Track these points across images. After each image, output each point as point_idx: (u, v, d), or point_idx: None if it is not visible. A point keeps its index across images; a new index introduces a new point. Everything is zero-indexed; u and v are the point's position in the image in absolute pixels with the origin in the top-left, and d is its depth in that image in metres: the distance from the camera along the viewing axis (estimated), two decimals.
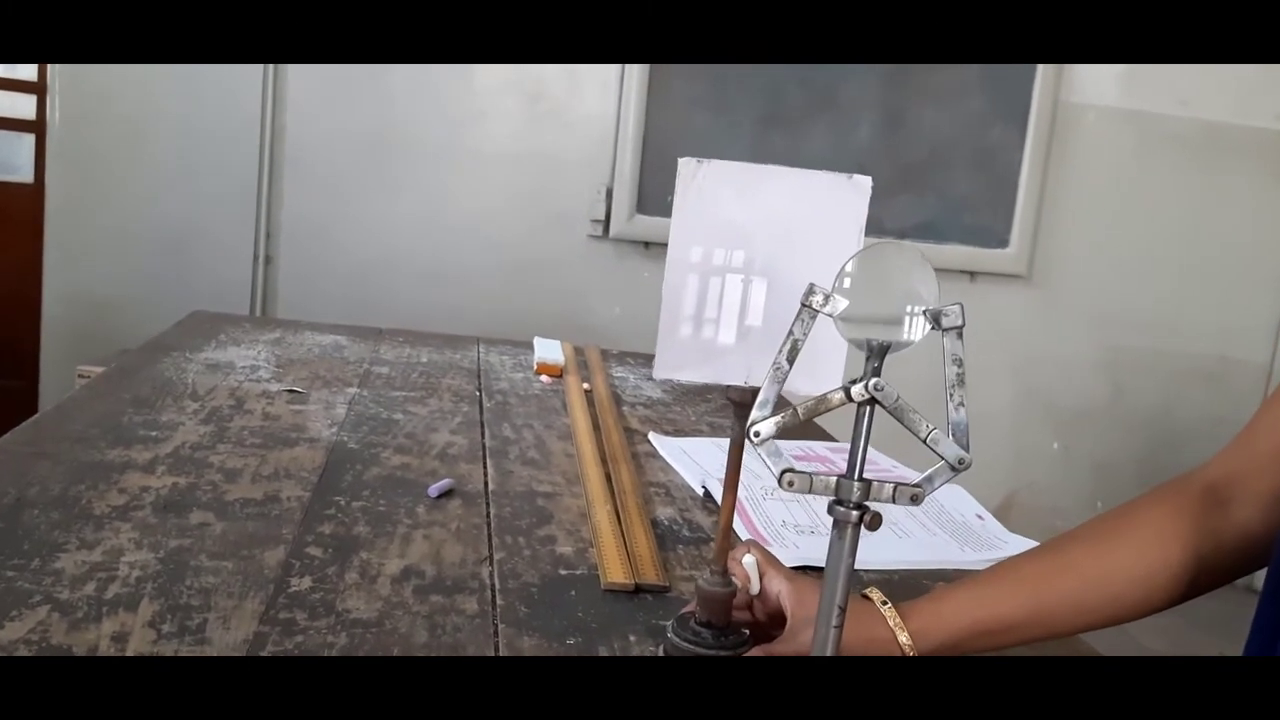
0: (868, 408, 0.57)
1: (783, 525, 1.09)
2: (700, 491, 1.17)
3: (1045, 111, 3.13)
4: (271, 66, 2.74)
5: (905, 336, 0.58)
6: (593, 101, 2.88)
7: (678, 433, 1.41)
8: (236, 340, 1.64)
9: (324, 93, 2.77)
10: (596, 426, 1.38)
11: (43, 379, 2.78)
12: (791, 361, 0.59)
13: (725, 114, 2.94)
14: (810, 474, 0.57)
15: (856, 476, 0.57)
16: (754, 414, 0.58)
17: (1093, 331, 3.29)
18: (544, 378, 1.61)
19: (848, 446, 0.59)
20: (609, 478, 1.18)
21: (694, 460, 1.27)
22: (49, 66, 2.77)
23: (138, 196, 2.72)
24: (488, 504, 1.06)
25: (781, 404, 0.59)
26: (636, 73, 2.85)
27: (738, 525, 1.08)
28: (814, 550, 1.01)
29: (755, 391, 0.75)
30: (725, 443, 1.36)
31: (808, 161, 3.05)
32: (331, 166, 2.80)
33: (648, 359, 1.86)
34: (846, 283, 0.58)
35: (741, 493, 1.14)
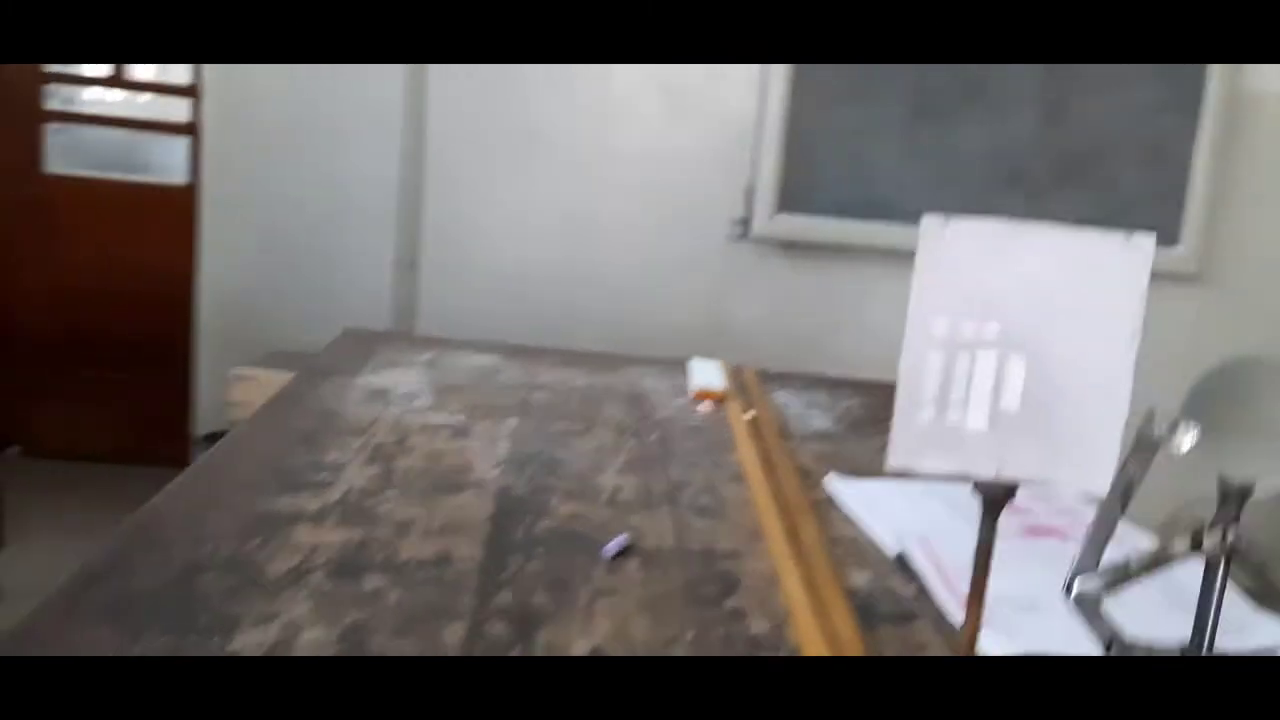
0: (1221, 563, 0.47)
1: (995, 600, 0.98)
2: (894, 551, 1.07)
3: (1221, 100, 2.90)
4: (412, 66, 2.73)
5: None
6: (734, 97, 2.79)
7: (856, 473, 1.31)
8: (392, 362, 1.61)
9: (465, 91, 2.74)
10: (768, 465, 1.29)
11: (198, 380, 2.83)
12: (1124, 506, 0.49)
13: (872, 107, 2.81)
14: (1148, 647, 0.47)
15: (1206, 648, 0.47)
16: (1076, 567, 0.48)
17: (1273, 333, 3.05)
18: (704, 405, 1.53)
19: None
20: (791, 532, 1.09)
21: (883, 511, 1.18)
22: (202, 70, 2.82)
23: (284, 198, 2.75)
24: (668, 567, 0.99)
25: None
26: (779, 67, 2.74)
27: (943, 596, 0.98)
28: (1039, 635, 0.90)
29: (1009, 487, 0.65)
30: (911, 487, 1.26)
31: (960, 155, 2.91)
32: (473, 168, 2.78)
33: (809, 381, 1.77)
34: (1197, 408, 0.48)
35: (946, 557, 1.04)
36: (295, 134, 2.71)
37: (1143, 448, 0.49)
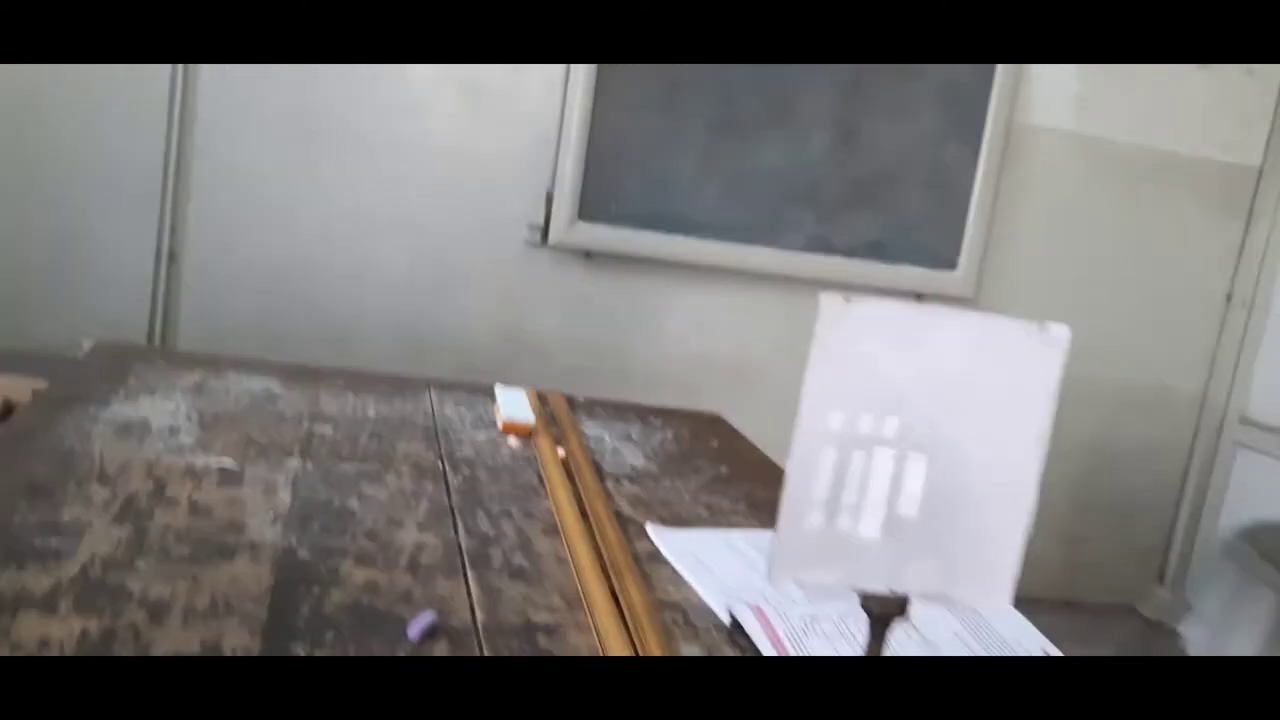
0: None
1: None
2: (726, 619, 0.99)
3: (999, 132, 3.03)
4: None
5: None
6: (535, 98, 2.67)
7: (676, 520, 1.22)
8: (150, 386, 1.40)
9: (241, 73, 2.50)
10: (584, 513, 1.19)
11: None
12: None
13: (675, 118, 2.76)
14: None
15: None
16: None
17: None
18: (512, 439, 1.40)
19: None
20: (614, 596, 0.99)
21: (707, 569, 1.09)
22: None
23: (27, 188, 2.42)
24: (479, 644, 0.87)
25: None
26: (583, 70, 2.64)
27: None
28: None
29: (900, 602, 0.58)
30: (736, 537, 1.19)
31: (757, 172, 2.91)
32: (247, 156, 2.54)
33: (618, 410, 1.68)
34: None
35: (779, 625, 0.97)
36: (38, 103, 2.39)
37: None
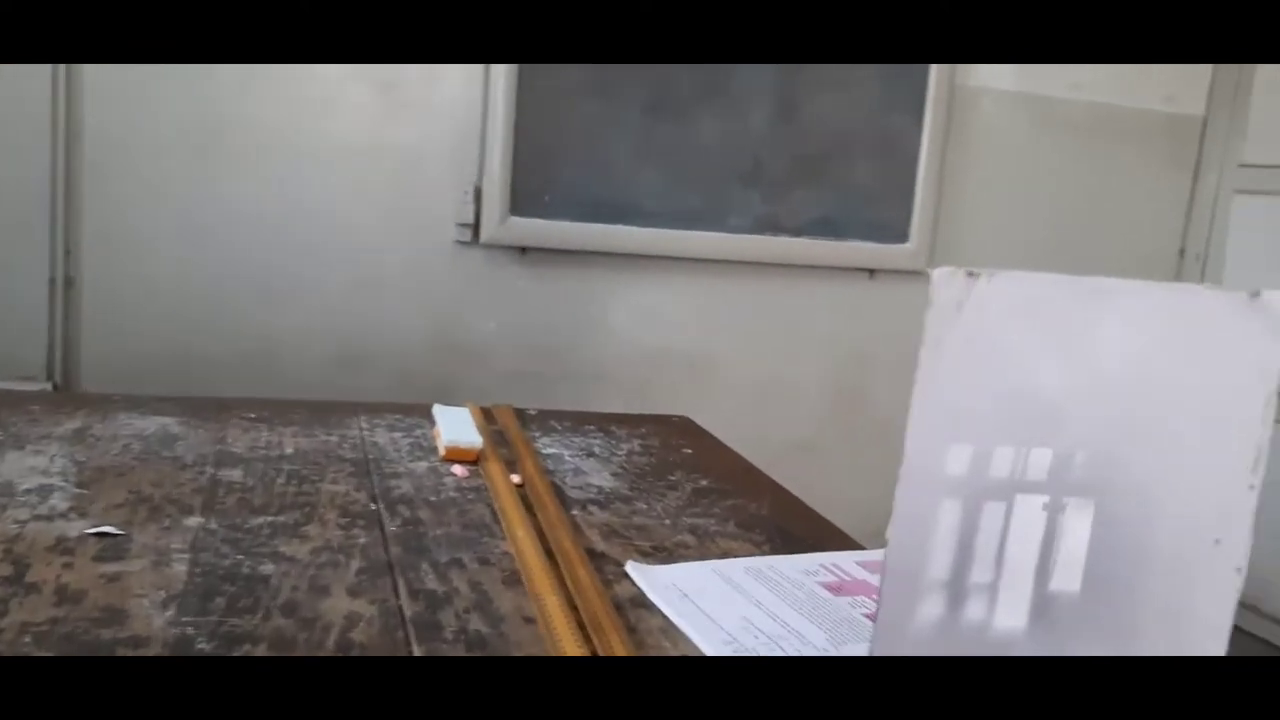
0: None
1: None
2: None
3: (941, 97, 2.91)
4: None
5: None
6: (455, 89, 2.47)
7: (657, 551, 1.04)
8: (19, 437, 1.17)
9: (131, 79, 2.25)
10: (549, 552, 1.00)
11: None
12: None
13: (608, 102, 2.57)
14: None
15: None
16: None
17: None
18: (456, 467, 1.21)
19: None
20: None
21: (704, 612, 0.91)
22: None
23: None
24: None
25: None
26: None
27: None
28: None
29: None
30: (731, 568, 1.01)
31: (698, 152, 2.73)
32: (143, 168, 2.30)
33: (576, 421, 1.49)
34: None
35: None
36: None
37: None
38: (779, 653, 0.84)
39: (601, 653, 0.82)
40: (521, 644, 0.83)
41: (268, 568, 0.91)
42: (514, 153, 2.48)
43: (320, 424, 1.33)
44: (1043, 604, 0.37)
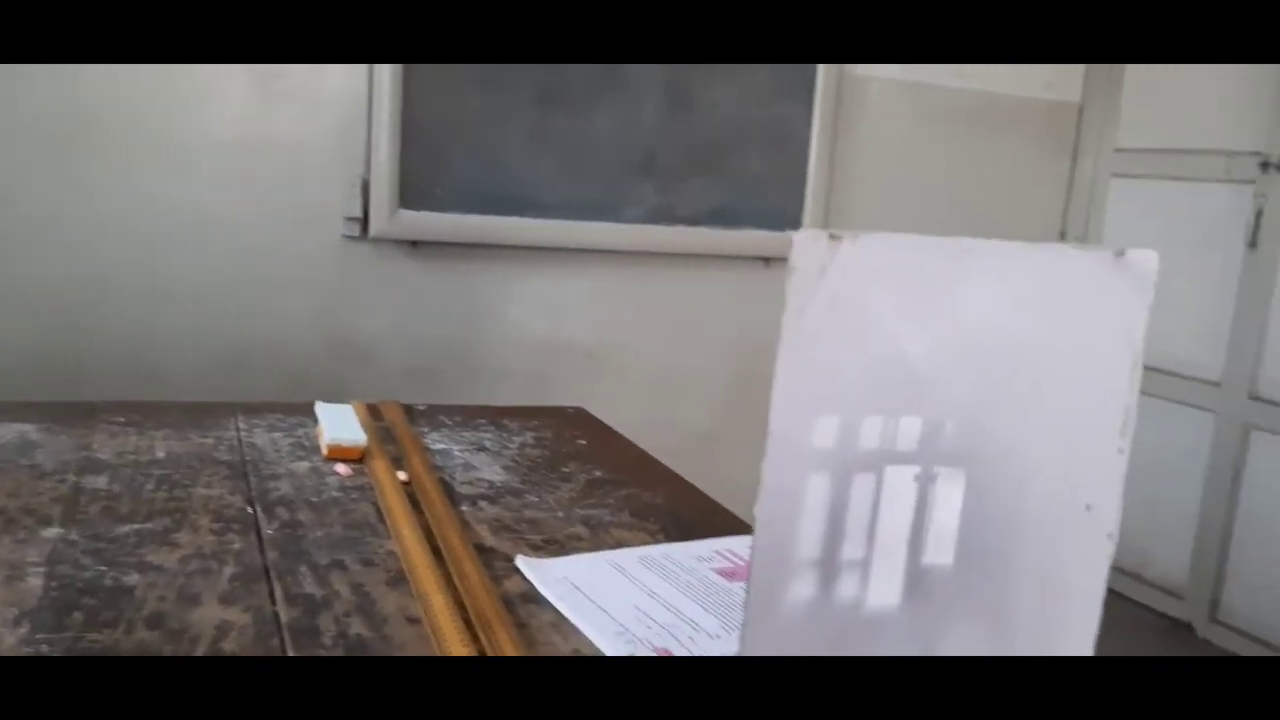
0: None
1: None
2: None
3: (830, 86, 2.94)
4: None
5: None
6: (338, 79, 2.40)
7: (549, 544, 1.01)
8: None
9: None
10: (436, 550, 0.96)
11: None
12: None
13: (499, 92, 2.53)
14: None
15: None
16: None
17: None
18: (340, 466, 1.16)
19: None
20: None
21: (597, 605, 0.89)
22: None
23: None
24: None
25: None
26: None
27: None
28: None
29: None
30: (624, 558, 0.99)
31: (591, 143, 2.71)
32: (4, 169, 2.17)
33: (468, 415, 1.45)
34: None
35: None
36: None
37: None
38: (673, 642, 0.82)
39: (490, 651, 0.79)
40: (405, 645, 0.80)
41: (133, 578, 0.86)
42: (402, 144, 2.42)
43: (195, 427, 1.27)
44: (916, 578, 0.36)
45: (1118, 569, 3.01)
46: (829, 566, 0.35)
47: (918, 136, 3.10)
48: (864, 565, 0.35)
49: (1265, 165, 2.74)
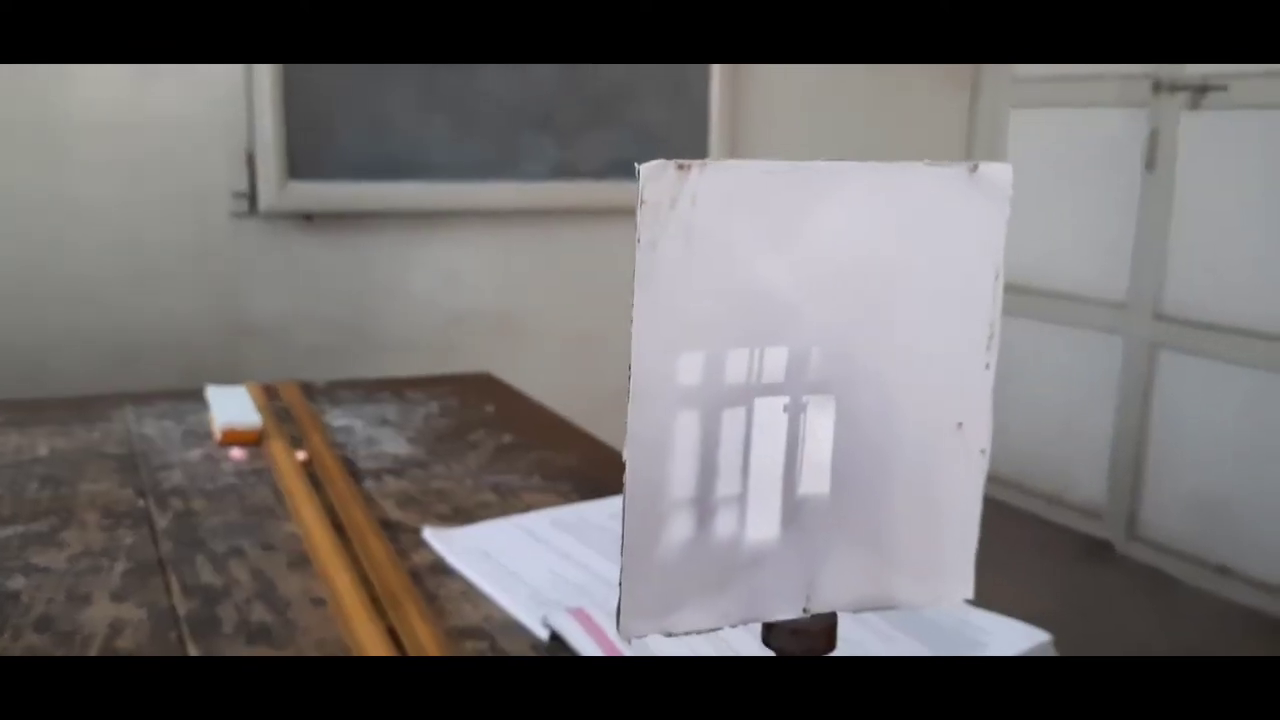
0: None
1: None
2: (544, 633, 0.78)
3: None
4: None
5: None
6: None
7: (459, 515, 0.99)
8: None
9: None
10: (339, 527, 0.94)
11: None
12: None
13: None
14: None
15: None
16: None
17: None
18: (235, 451, 1.12)
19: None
20: (394, 635, 0.76)
21: (508, 570, 0.87)
22: None
23: None
24: None
25: None
26: None
27: None
28: None
29: (825, 628, 0.37)
30: (535, 521, 0.97)
31: (483, 102, 2.66)
32: None
33: (369, 389, 1.42)
34: None
35: (607, 622, 0.76)
36: None
37: None
38: (587, 600, 0.81)
39: (397, 626, 0.77)
40: (309, 629, 0.77)
41: (18, 582, 0.82)
42: (285, 112, 2.33)
43: (80, 421, 1.22)
44: (793, 509, 0.35)
45: (1038, 494, 3.10)
46: (704, 504, 0.34)
47: (820, 77, 3.09)
48: (740, 501, 0.34)
49: (1157, 87, 2.80)
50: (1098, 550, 2.90)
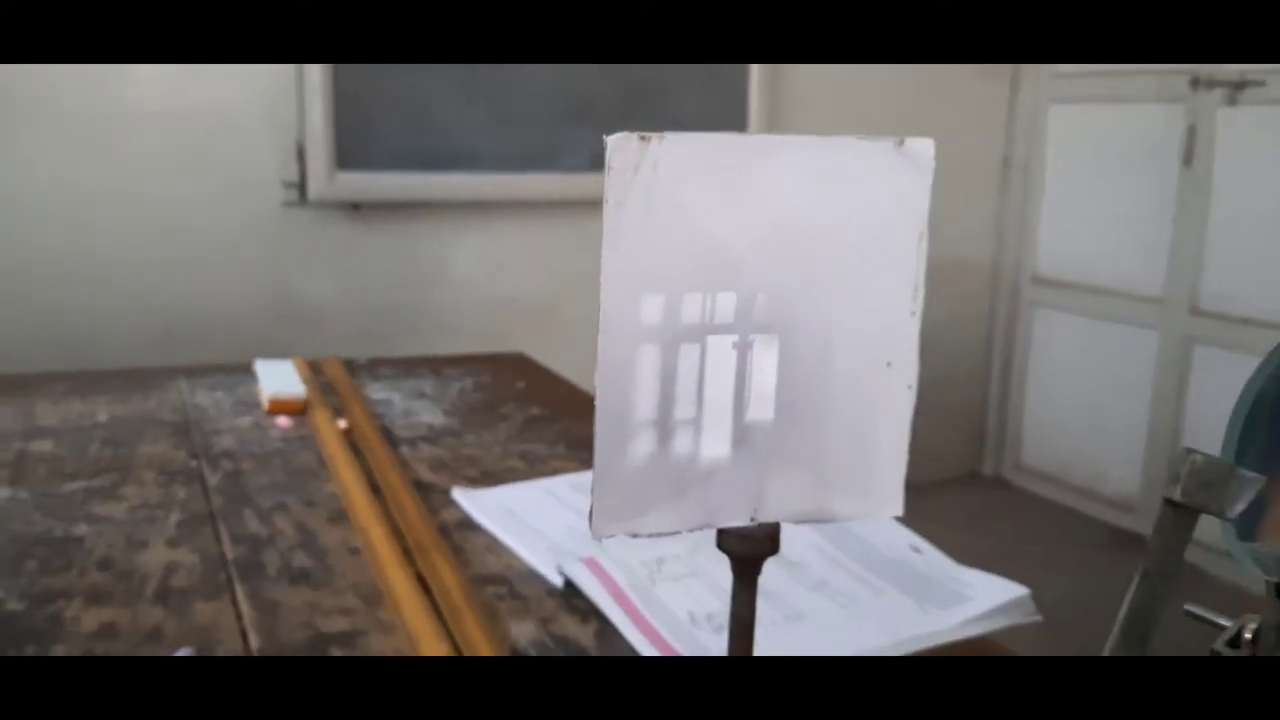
0: None
1: (691, 621, 0.78)
2: (559, 580, 0.84)
3: None
4: None
5: None
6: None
7: (486, 478, 1.06)
8: None
9: None
10: (376, 489, 1.01)
11: None
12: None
13: None
14: None
15: None
16: None
17: None
18: (281, 419, 1.20)
19: None
20: (422, 581, 0.83)
21: (529, 526, 0.94)
22: None
23: None
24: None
25: None
26: None
27: (629, 632, 0.77)
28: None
29: (769, 535, 0.43)
30: (557, 484, 1.04)
31: (524, 94, 2.72)
32: None
33: (408, 366, 1.49)
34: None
35: (620, 576, 0.82)
36: None
37: (1173, 528, 0.28)
38: (597, 552, 0.87)
39: (425, 572, 0.84)
40: (345, 573, 0.84)
41: (81, 529, 0.90)
42: (335, 104, 2.42)
43: (137, 391, 1.30)
44: (742, 433, 0.40)
45: (1071, 487, 3.12)
46: (665, 426, 0.40)
47: (858, 71, 3.10)
48: (695, 423, 0.40)
49: (1195, 83, 2.80)
50: (1128, 543, 2.92)
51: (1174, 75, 2.85)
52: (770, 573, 0.84)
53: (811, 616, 0.79)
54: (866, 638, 0.76)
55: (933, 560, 0.88)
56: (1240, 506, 0.33)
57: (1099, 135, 3.15)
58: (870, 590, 0.82)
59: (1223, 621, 0.37)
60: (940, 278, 3.19)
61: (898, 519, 0.92)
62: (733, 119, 2.95)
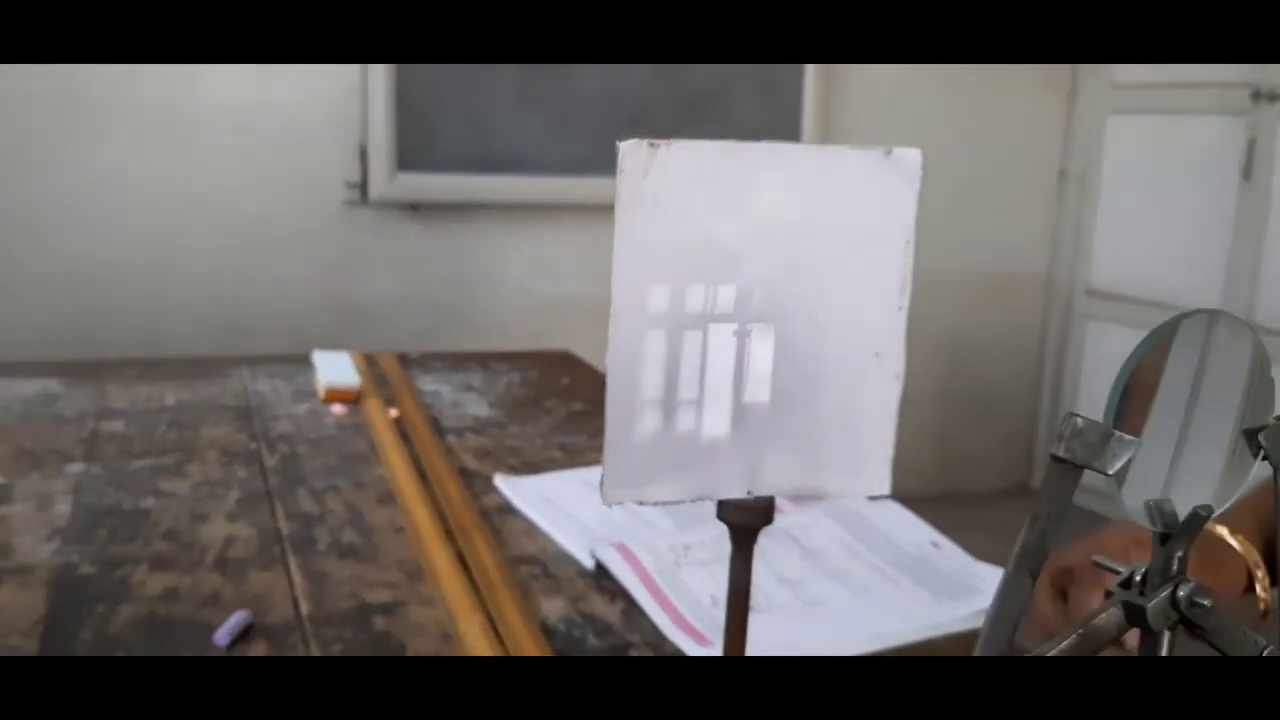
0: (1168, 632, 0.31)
1: (713, 603, 0.82)
2: (590, 563, 0.89)
3: None
4: None
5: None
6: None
7: (527, 467, 1.11)
8: None
9: None
10: (423, 474, 1.06)
11: None
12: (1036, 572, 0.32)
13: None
14: None
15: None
16: None
17: None
18: (336, 407, 1.26)
19: None
20: (462, 559, 0.88)
21: (564, 513, 0.98)
22: None
23: None
24: (304, 638, 0.74)
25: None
26: None
27: (655, 613, 0.81)
28: (763, 636, 0.74)
29: (764, 508, 0.47)
30: (593, 474, 1.08)
31: (580, 101, 2.77)
32: (10, 146, 2.27)
33: (458, 360, 1.55)
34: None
35: (648, 560, 0.87)
36: None
37: (1058, 480, 0.32)
38: (628, 538, 0.91)
39: (465, 552, 0.89)
40: (390, 550, 0.89)
41: (149, 502, 0.96)
42: (397, 108, 2.50)
43: (201, 377, 1.37)
44: (740, 414, 0.45)
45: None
46: (669, 405, 0.44)
47: (913, 79, 3.09)
48: (697, 403, 0.44)
49: (1256, 96, 2.77)
50: None
51: (1235, 88, 2.82)
52: (792, 562, 0.88)
53: (828, 602, 0.82)
54: (879, 624, 0.79)
55: (951, 555, 0.91)
56: (1117, 464, 0.36)
57: (1157, 147, 3.12)
58: (887, 580, 0.86)
59: (1119, 568, 0.41)
60: (993, 290, 3.24)
61: (920, 518, 0.96)
62: (787, 127, 2.97)
